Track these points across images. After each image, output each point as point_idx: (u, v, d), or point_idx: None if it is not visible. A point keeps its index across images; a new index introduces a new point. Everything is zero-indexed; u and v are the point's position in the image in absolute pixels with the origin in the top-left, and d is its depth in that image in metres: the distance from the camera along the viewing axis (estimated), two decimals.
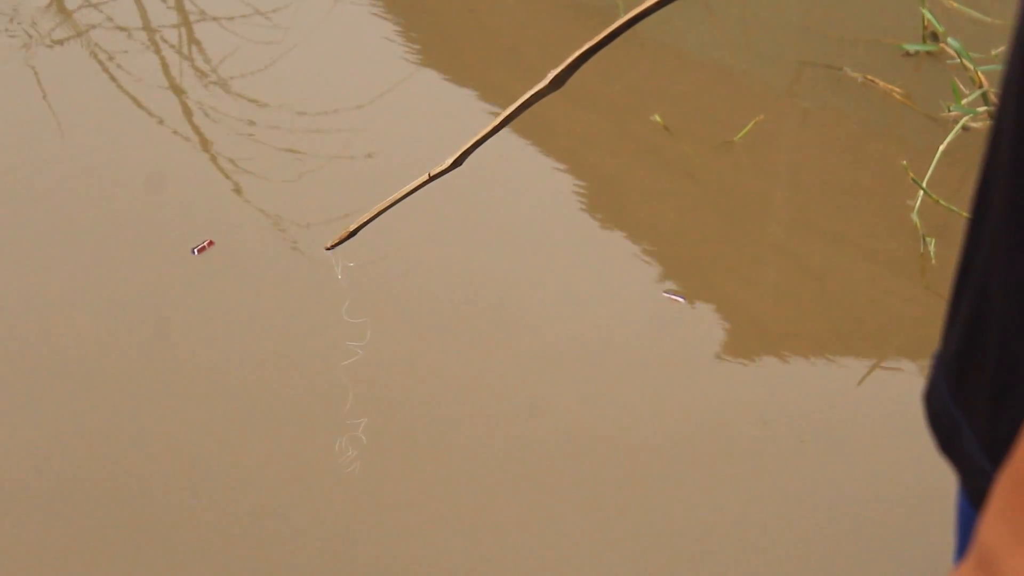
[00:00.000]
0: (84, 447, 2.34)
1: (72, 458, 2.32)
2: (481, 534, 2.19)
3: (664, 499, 2.26)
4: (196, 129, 3.27)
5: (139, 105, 3.37)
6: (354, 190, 3.01)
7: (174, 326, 2.61)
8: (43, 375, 2.50)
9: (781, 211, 3.11)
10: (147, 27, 3.75)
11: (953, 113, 3.12)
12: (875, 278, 2.81)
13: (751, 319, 2.73)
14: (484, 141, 1.28)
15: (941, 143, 2.91)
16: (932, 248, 2.78)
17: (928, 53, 3.50)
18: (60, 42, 3.67)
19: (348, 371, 2.13)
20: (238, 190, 3.04)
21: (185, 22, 3.81)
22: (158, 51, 3.65)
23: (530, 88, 1.37)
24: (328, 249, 1.31)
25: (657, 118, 3.21)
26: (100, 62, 3.56)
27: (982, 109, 3.12)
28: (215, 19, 3.82)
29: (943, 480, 0.85)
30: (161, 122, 3.30)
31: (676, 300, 2.67)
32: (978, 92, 3.14)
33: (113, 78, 3.49)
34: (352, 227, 1.30)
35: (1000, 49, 3.25)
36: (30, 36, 3.66)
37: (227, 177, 3.09)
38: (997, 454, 0.79)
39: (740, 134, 3.15)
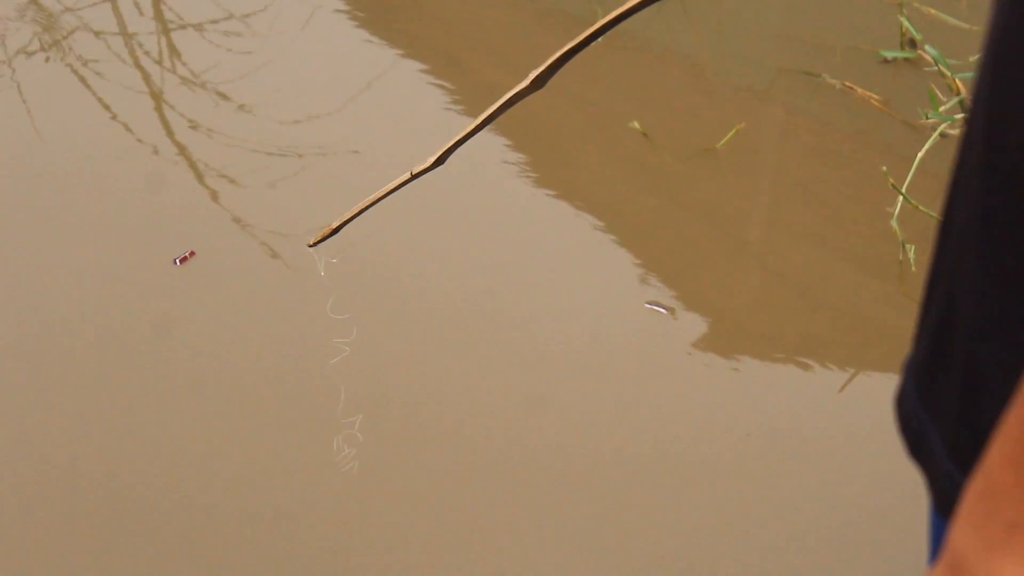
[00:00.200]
0: (73, 453, 2.33)
1: (63, 462, 2.30)
2: (479, 531, 2.18)
3: (645, 508, 2.25)
4: (173, 136, 3.26)
5: (116, 113, 3.35)
6: (336, 192, 3.00)
7: (160, 336, 2.59)
8: (25, 386, 2.48)
9: (763, 218, 3.12)
10: (124, 33, 3.74)
11: (931, 120, 3.13)
12: (857, 285, 2.82)
13: (733, 325, 2.73)
14: (466, 140, 1.27)
15: (920, 150, 2.92)
16: (912, 254, 2.79)
17: (906, 60, 3.51)
18: (38, 50, 3.65)
19: (338, 368, 2.13)
20: (218, 196, 3.03)
21: (163, 29, 3.79)
22: (136, 58, 3.63)
23: (512, 88, 1.37)
24: (311, 246, 1.31)
25: (636, 125, 3.21)
26: (77, 69, 3.54)
27: (960, 116, 3.13)
28: (193, 26, 3.81)
29: (923, 486, 0.86)
30: (139, 129, 3.28)
31: (658, 311, 2.66)
32: (956, 99, 3.15)
33: (89, 85, 3.47)
34: (335, 224, 1.29)
35: (978, 56, 3.26)
36: (6, 43, 3.64)
37: (207, 183, 3.07)
38: (965, 460, 0.79)
39: (722, 141, 3.16)
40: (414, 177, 1.29)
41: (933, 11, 3.59)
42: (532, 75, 1.37)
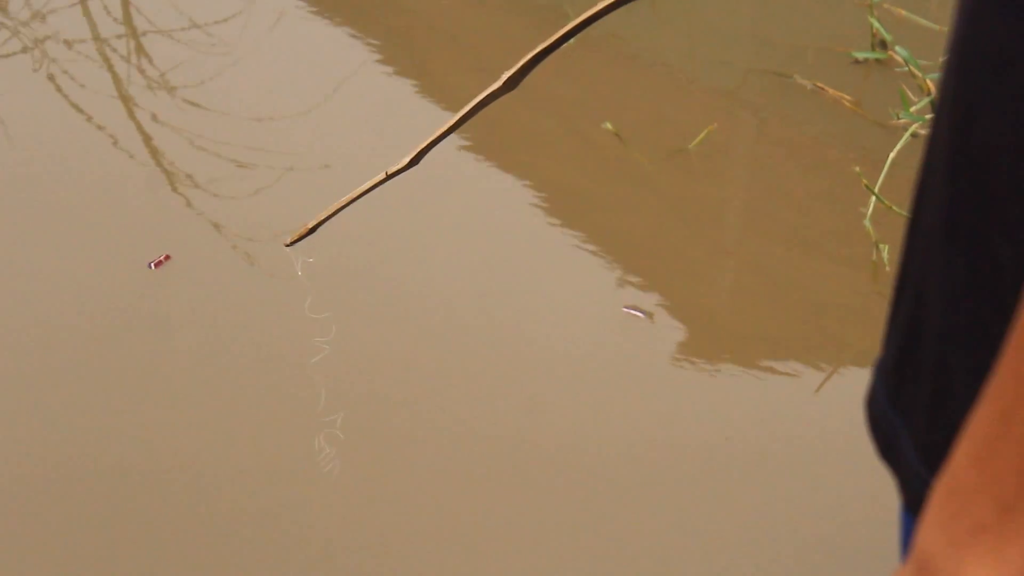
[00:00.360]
0: (59, 453, 2.31)
1: (49, 463, 2.29)
2: (460, 530, 2.17)
3: (622, 512, 2.25)
4: (147, 140, 3.24)
5: (88, 117, 3.33)
6: (310, 193, 3.00)
7: (137, 339, 2.58)
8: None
9: (736, 219, 3.12)
10: (96, 38, 3.72)
11: (902, 120, 3.15)
12: (830, 285, 2.83)
13: (708, 327, 2.73)
14: (440, 140, 1.27)
15: (891, 150, 2.93)
16: (886, 254, 2.80)
17: (877, 61, 3.53)
18: (7, 55, 3.62)
19: (318, 368, 2.12)
20: (191, 199, 3.01)
21: (132, 33, 3.78)
22: (106, 62, 3.62)
23: (484, 89, 1.37)
24: (287, 246, 1.30)
25: (608, 125, 3.22)
26: (48, 74, 3.52)
27: (930, 116, 3.14)
28: (163, 31, 3.79)
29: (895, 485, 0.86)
30: (111, 133, 3.27)
31: (635, 315, 2.66)
32: (926, 99, 3.17)
33: (60, 89, 3.45)
34: (311, 224, 1.29)
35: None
36: None
37: (180, 186, 3.06)
38: (933, 460, 0.79)
39: (694, 142, 3.16)
40: (389, 177, 1.29)
41: (903, 12, 3.61)
42: (505, 76, 1.37)
